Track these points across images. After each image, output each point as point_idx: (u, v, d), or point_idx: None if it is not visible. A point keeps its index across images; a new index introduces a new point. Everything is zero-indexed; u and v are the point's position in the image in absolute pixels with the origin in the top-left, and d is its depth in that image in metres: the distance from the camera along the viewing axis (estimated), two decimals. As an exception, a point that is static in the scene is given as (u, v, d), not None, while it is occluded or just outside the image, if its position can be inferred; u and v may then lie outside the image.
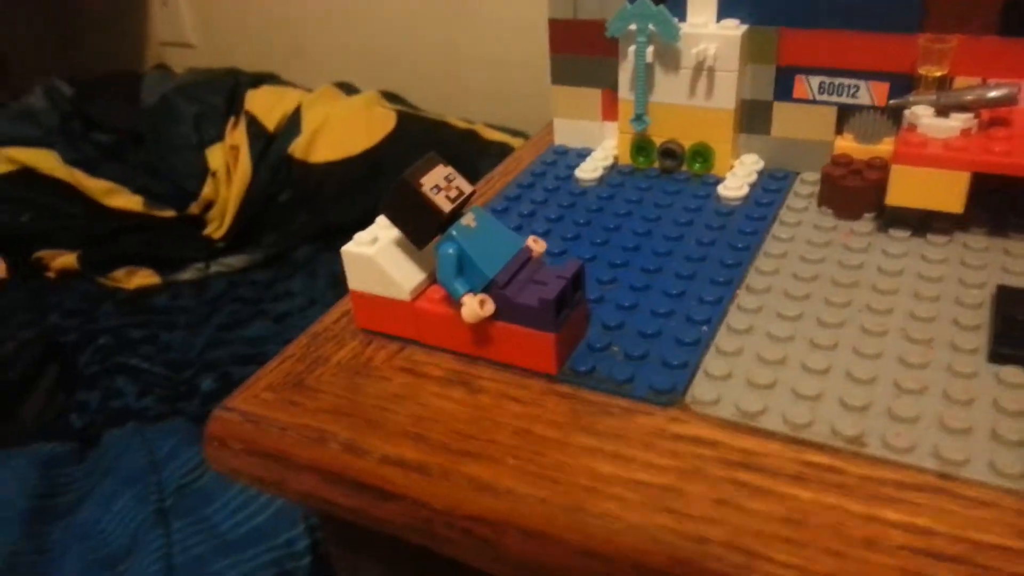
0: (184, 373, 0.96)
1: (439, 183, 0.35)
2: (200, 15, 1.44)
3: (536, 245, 0.37)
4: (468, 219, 0.35)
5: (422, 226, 0.35)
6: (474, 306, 0.34)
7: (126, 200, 1.11)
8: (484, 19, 1.21)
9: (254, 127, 1.14)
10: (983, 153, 0.39)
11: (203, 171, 1.13)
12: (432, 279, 0.38)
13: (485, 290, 0.35)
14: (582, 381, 0.36)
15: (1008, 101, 0.40)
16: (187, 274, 1.10)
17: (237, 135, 1.13)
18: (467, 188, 0.35)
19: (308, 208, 1.14)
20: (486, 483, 0.31)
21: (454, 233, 0.35)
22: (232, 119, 1.16)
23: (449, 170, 0.35)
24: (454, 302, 0.36)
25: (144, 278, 1.09)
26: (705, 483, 0.31)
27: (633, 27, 0.47)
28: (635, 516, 0.29)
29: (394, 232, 0.38)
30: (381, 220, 0.39)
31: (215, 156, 1.14)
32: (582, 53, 0.51)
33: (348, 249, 0.38)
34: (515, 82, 1.23)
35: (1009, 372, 0.33)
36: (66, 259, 1.09)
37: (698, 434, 0.33)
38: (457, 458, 0.33)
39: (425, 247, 0.36)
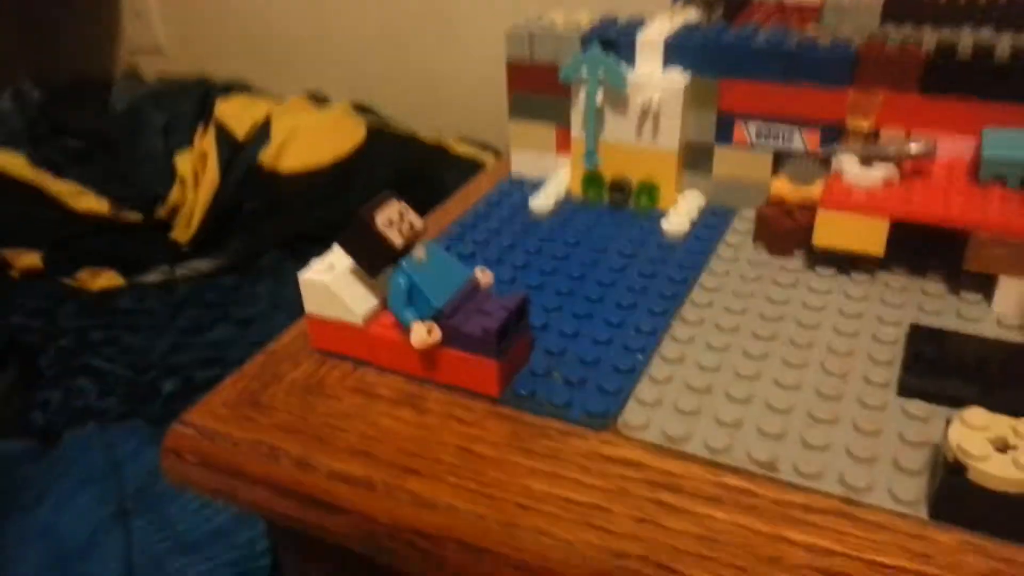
0: (146, 375, 0.97)
1: (392, 218, 0.37)
2: (173, 22, 1.45)
3: (483, 276, 0.40)
4: (419, 252, 0.38)
5: (375, 258, 0.38)
6: (422, 333, 0.37)
7: (93, 202, 1.11)
8: (459, 34, 1.24)
9: (223, 135, 1.15)
10: (902, 203, 0.43)
11: (171, 177, 1.15)
12: (384, 305, 0.40)
13: (433, 318, 0.37)
14: (523, 404, 0.38)
15: (927, 155, 0.43)
16: (152, 277, 1.11)
17: (206, 142, 1.15)
18: (418, 224, 0.38)
19: (275, 216, 1.16)
20: (427, 499, 0.34)
21: (404, 265, 0.37)
22: (201, 126, 1.18)
23: (402, 206, 0.38)
24: (404, 328, 0.38)
25: (108, 280, 1.09)
26: (629, 502, 0.33)
27: (584, 73, 0.49)
28: (564, 532, 0.32)
29: (349, 261, 0.40)
30: (337, 249, 0.41)
31: (183, 162, 1.15)
32: (538, 92, 0.54)
33: (306, 277, 0.40)
34: (487, 97, 1.25)
35: (914, 405, 0.36)
36: (30, 258, 1.09)
37: (627, 456, 0.35)
38: (401, 475, 0.35)
39: (377, 276, 0.39)
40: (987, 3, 0.54)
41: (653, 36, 0.50)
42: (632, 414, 0.37)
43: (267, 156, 1.14)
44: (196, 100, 1.20)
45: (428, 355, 0.39)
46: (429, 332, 0.37)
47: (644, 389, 0.38)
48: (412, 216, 0.38)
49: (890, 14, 0.56)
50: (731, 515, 0.32)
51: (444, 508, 0.33)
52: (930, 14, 0.54)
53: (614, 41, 0.50)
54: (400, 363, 0.40)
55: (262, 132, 1.15)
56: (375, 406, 0.39)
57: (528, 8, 0.55)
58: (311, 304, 0.41)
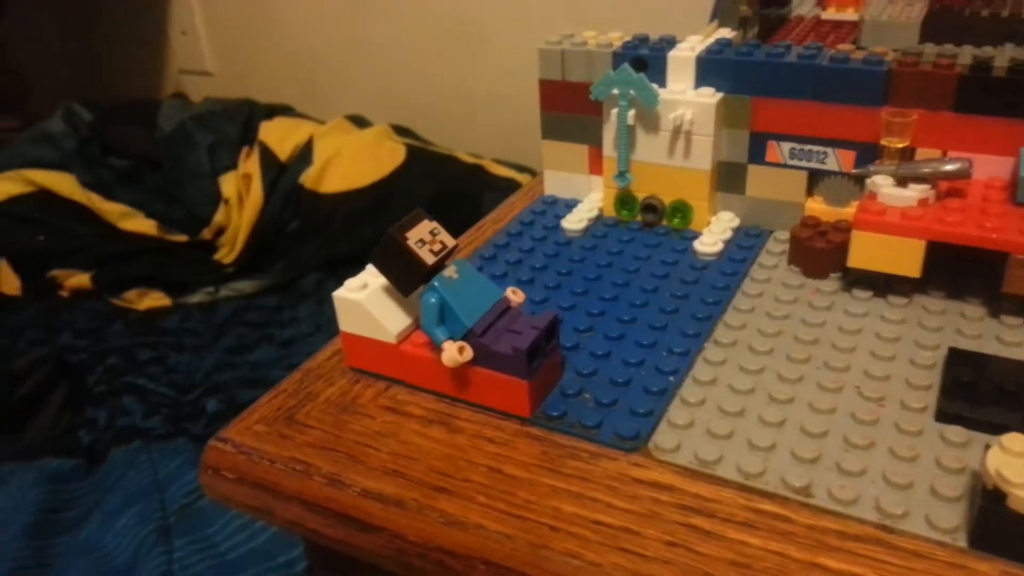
0: (190, 395, 0.98)
1: (424, 237, 0.37)
2: (219, 45, 1.49)
3: (515, 296, 0.40)
4: (451, 271, 0.38)
5: (407, 276, 0.38)
6: (453, 352, 0.37)
7: (140, 224, 1.14)
8: (494, 57, 1.25)
9: (267, 157, 1.17)
10: (937, 223, 0.42)
11: (216, 198, 1.17)
12: (417, 324, 0.41)
13: (464, 337, 0.38)
14: (553, 425, 0.38)
15: (962, 175, 0.43)
16: (196, 297, 1.13)
17: (250, 164, 1.17)
18: (450, 242, 0.38)
19: (317, 237, 1.18)
20: (457, 518, 0.34)
21: (436, 284, 0.37)
22: (246, 148, 1.20)
23: (434, 225, 0.38)
24: (436, 347, 0.39)
25: (155, 300, 1.12)
26: (660, 526, 0.33)
27: (615, 92, 0.50)
28: (594, 555, 0.32)
29: (382, 279, 0.41)
30: (371, 268, 0.41)
31: (228, 184, 1.18)
32: (570, 112, 0.54)
33: (339, 294, 0.40)
34: (523, 119, 1.26)
35: (952, 431, 0.36)
36: (79, 279, 1.12)
37: (657, 479, 0.35)
38: (432, 494, 0.35)
39: (410, 295, 0.39)
40: (1029, 20, 0.54)
41: (684, 53, 0.50)
42: (663, 437, 0.37)
43: (309, 178, 1.16)
44: (240, 122, 1.23)
45: (459, 374, 0.39)
46: (460, 351, 0.37)
47: (676, 411, 0.38)
48: (444, 235, 0.38)
49: (930, 31, 0.55)
50: (764, 541, 0.32)
51: (474, 528, 0.34)
52: (970, 31, 0.54)
53: (645, 59, 0.50)
54: (432, 382, 0.40)
55: (304, 154, 1.18)
56: (407, 424, 0.39)
57: (562, 26, 0.56)
58: (345, 322, 0.41)
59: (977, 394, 0.37)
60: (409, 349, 0.40)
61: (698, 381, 0.40)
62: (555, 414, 0.38)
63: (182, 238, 1.16)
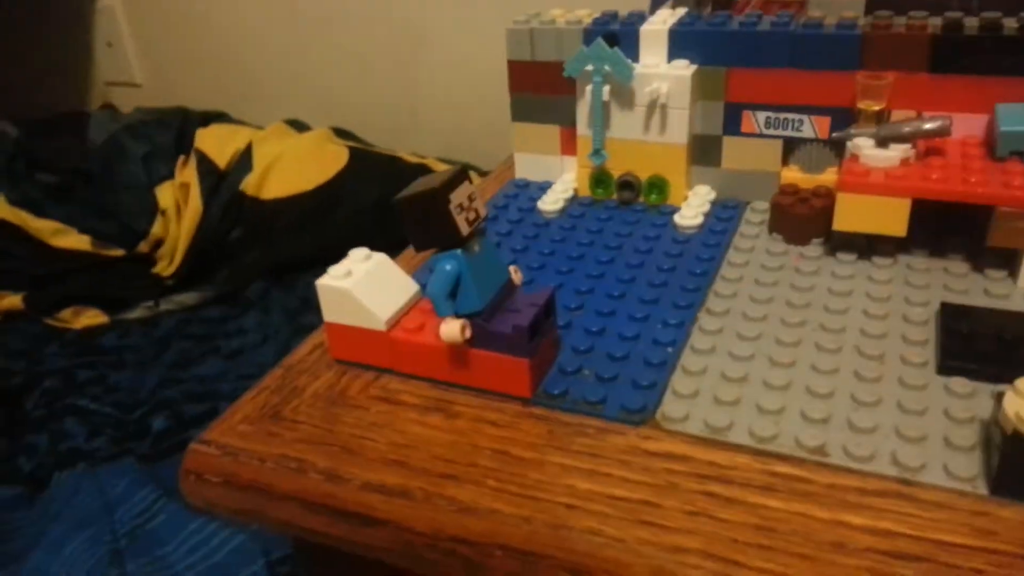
0: (134, 413, 0.94)
1: (463, 202, 0.34)
2: (147, 55, 1.43)
3: (516, 275, 0.38)
4: (477, 245, 0.36)
5: (434, 238, 0.35)
6: (456, 329, 0.35)
7: (73, 240, 1.09)
8: (435, 58, 1.23)
9: (205, 165, 1.13)
10: (922, 181, 0.42)
11: (153, 210, 1.12)
12: (405, 309, 0.39)
13: (467, 316, 0.36)
14: (556, 403, 0.37)
15: (942, 132, 0.43)
16: (136, 313, 1.08)
17: (187, 173, 1.13)
18: (483, 212, 0.36)
19: (260, 245, 1.14)
20: (468, 505, 0.32)
21: (461, 256, 0.35)
22: (182, 157, 1.16)
23: (472, 189, 0.35)
24: (430, 329, 0.37)
25: (91, 318, 1.07)
26: (679, 496, 0.32)
27: (589, 68, 0.49)
28: (615, 530, 0.31)
29: (366, 265, 0.39)
30: (353, 254, 0.40)
31: (165, 195, 1.13)
32: (540, 92, 0.53)
33: (323, 283, 0.38)
34: (466, 119, 1.25)
35: (957, 383, 0.36)
36: (10, 300, 1.07)
37: (670, 450, 0.34)
38: (438, 482, 0.33)
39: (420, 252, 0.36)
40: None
41: (657, 27, 0.49)
42: (670, 407, 0.36)
43: (250, 184, 1.12)
44: (175, 131, 1.18)
45: (455, 357, 0.37)
46: (462, 330, 0.35)
47: (679, 381, 0.37)
48: (479, 202, 0.35)
49: (875, 1, 0.56)
50: (786, 503, 0.31)
51: (487, 513, 0.32)
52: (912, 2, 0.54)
53: (617, 34, 0.50)
54: (425, 368, 0.38)
55: (244, 160, 1.14)
56: (403, 414, 0.37)
57: (499, 28, 0.54)
58: (330, 312, 0.39)
59: (976, 345, 0.37)
60: (400, 335, 0.38)
61: (697, 350, 0.39)
62: (557, 392, 0.37)
63: (118, 253, 1.10)
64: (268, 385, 0.40)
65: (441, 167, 1.19)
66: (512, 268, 0.38)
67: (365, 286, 0.38)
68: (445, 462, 0.34)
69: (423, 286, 0.39)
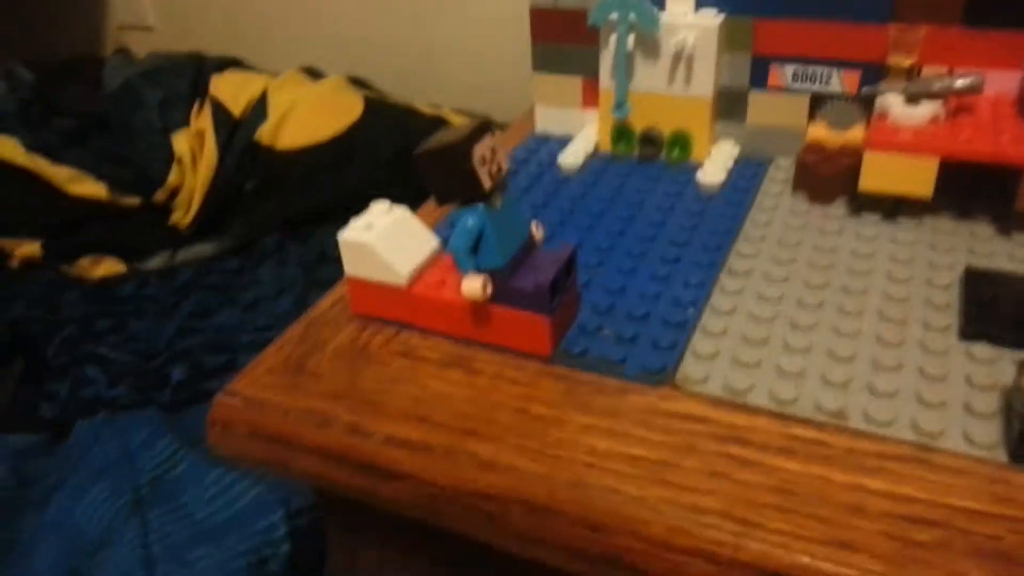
0: (154, 362, 0.95)
1: (486, 155, 0.34)
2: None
3: (537, 232, 0.38)
4: (498, 200, 0.35)
5: (456, 192, 0.35)
6: (477, 285, 0.35)
7: (90, 188, 1.09)
8: (455, 7, 1.21)
9: (219, 112, 1.12)
10: (952, 141, 0.41)
11: (168, 157, 1.12)
12: (427, 263, 0.39)
13: (489, 272, 0.36)
14: (575, 362, 0.37)
15: (974, 90, 0.42)
16: (153, 262, 1.09)
17: (202, 121, 1.12)
18: (505, 166, 0.35)
19: (275, 196, 1.14)
20: (489, 460, 0.33)
21: (483, 210, 0.35)
22: (197, 104, 1.15)
23: (494, 142, 0.35)
24: (451, 286, 0.37)
25: (109, 267, 1.07)
26: (698, 457, 0.32)
27: (614, 16, 0.48)
28: (634, 489, 0.31)
29: (388, 219, 0.39)
30: (375, 207, 0.39)
31: (180, 142, 1.13)
32: (563, 41, 0.52)
33: (346, 238, 0.38)
34: (484, 71, 1.23)
35: (979, 349, 0.35)
36: (29, 248, 1.07)
37: (689, 411, 0.34)
38: (460, 437, 0.34)
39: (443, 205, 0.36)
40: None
41: (683, -24, 0.48)
42: (690, 368, 0.36)
43: (265, 133, 1.12)
44: (190, 77, 1.17)
45: (475, 313, 0.37)
46: (483, 287, 0.35)
47: (699, 342, 0.37)
48: (501, 155, 0.35)
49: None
50: (805, 466, 0.31)
51: (507, 469, 0.32)
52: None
53: (642, -18, 0.49)
54: (445, 324, 0.38)
55: (259, 108, 1.13)
56: (423, 369, 0.37)
57: None
58: (351, 266, 0.39)
59: (999, 311, 0.37)
60: (421, 291, 0.38)
61: (717, 311, 0.39)
62: (577, 351, 0.37)
63: (135, 201, 1.10)
64: (291, 337, 0.40)
65: (457, 119, 1.17)
66: (533, 224, 0.38)
67: (387, 241, 0.38)
68: (466, 418, 0.35)
69: (444, 240, 0.39)
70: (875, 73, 0.46)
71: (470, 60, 1.23)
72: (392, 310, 0.39)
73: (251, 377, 0.37)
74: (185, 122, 1.14)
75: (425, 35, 1.24)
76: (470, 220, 0.35)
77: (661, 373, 0.36)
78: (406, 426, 0.34)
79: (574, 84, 0.54)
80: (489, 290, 0.35)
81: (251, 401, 0.36)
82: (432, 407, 0.35)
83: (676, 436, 0.33)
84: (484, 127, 0.35)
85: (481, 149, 0.34)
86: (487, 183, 0.34)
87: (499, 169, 0.35)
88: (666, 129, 0.51)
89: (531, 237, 0.38)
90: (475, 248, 0.35)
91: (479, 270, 0.35)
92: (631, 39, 0.48)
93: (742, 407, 0.34)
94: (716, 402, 0.35)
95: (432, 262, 0.40)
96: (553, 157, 0.53)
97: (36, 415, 0.89)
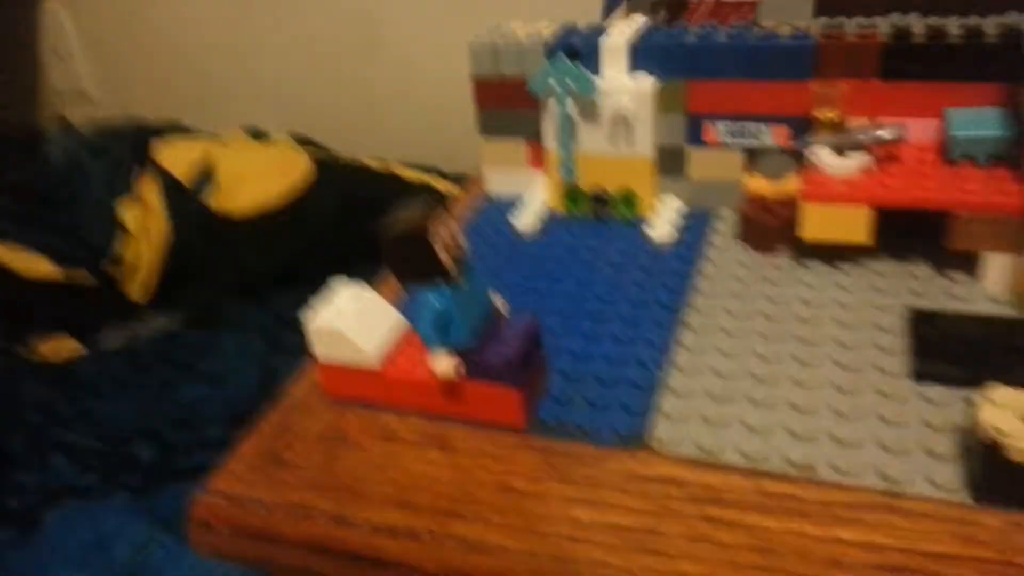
0: (120, 444, 0.93)
1: (446, 236, 0.35)
2: (98, 65, 1.41)
3: (501, 305, 0.39)
4: (461, 278, 0.36)
5: (420, 276, 0.36)
6: (448, 365, 0.36)
7: (42, 267, 1.07)
8: (396, 57, 1.23)
9: (166, 180, 1.12)
10: (882, 189, 0.44)
11: (117, 229, 1.11)
12: (397, 343, 0.40)
13: (458, 351, 0.37)
14: (551, 432, 0.38)
15: (897, 140, 0.44)
16: (111, 339, 1.07)
17: (149, 190, 1.12)
18: (465, 244, 0.36)
19: (230, 261, 1.13)
20: (476, 542, 0.33)
21: (447, 292, 0.36)
22: (142, 173, 1.14)
23: (454, 223, 0.36)
24: (422, 364, 0.38)
25: (68, 349, 1.05)
26: (678, 521, 0.33)
27: (553, 83, 0.50)
28: (621, 560, 0.32)
29: (354, 301, 0.39)
30: (339, 288, 0.40)
31: (128, 213, 1.12)
32: (507, 107, 0.54)
33: (315, 324, 0.39)
34: (426, 116, 1.24)
35: (933, 391, 0.37)
36: (-22, 333, 1.05)
37: (665, 474, 0.35)
38: (444, 520, 0.34)
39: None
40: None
41: (617, 41, 0.50)
42: (662, 430, 0.37)
43: (215, 199, 1.11)
44: (133, 145, 1.16)
45: (449, 391, 0.38)
46: (455, 366, 0.36)
47: (668, 403, 0.39)
48: (460, 234, 0.36)
49: (823, 4, 0.57)
50: (781, 522, 0.33)
51: (495, 550, 0.33)
52: (860, 4, 0.55)
53: (578, 48, 0.51)
54: (420, 403, 0.39)
55: (205, 173, 1.13)
56: (403, 451, 0.38)
57: (459, 19, 0.55)
58: (322, 352, 0.40)
59: (947, 351, 0.39)
60: (394, 373, 0.39)
61: (682, 369, 0.41)
62: (551, 421, 0.38)
63: (86, 276, 1.09)
64: (267, 427, 0.40)
65: (408, 173, 1.18)
66: (497, 297, 0.39)
67: (356, 325, 0.39)
68: (448, 499, 0.35)
69: (408, 315, 0.40)
70: (803, 126, 0.48)
71: (415, 112, 1.24)
72: (366, 392, 0.40)
73: (230, 473, 0.38)
74: (131, 192, 1.13)
75: (367, 89, 1.25)
76: (436, 302, 0.36)
77: (635, 437, 0.37)
78: (390, 512, 0.35)
79: (521, 147, 0.55)
80: (462, 371, 0.36)
81: (232, 499, 0.36)
82: (414, 491, 0.36)
83: (655, 501, 0.34)
84: (440, 207, 0.36)
85: (441, 231, 0.35)
86: (450, 264, 0.35)
87: (459, 248, 0.36)
88: (613, 188, 0.53)
89: (495, 310, 0.39)
90: (443, 328, 0.36)
91: (448, 350, 0.36)
92: (571, 104, 0.50)
93: (715, 466, 0.35)
94: (690, 462, 0.36)
95: (401, 341, 0.40)
96: (506, 220, 0.54)
97: (3, 508, 0.87)
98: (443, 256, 0.35)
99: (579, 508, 0.34)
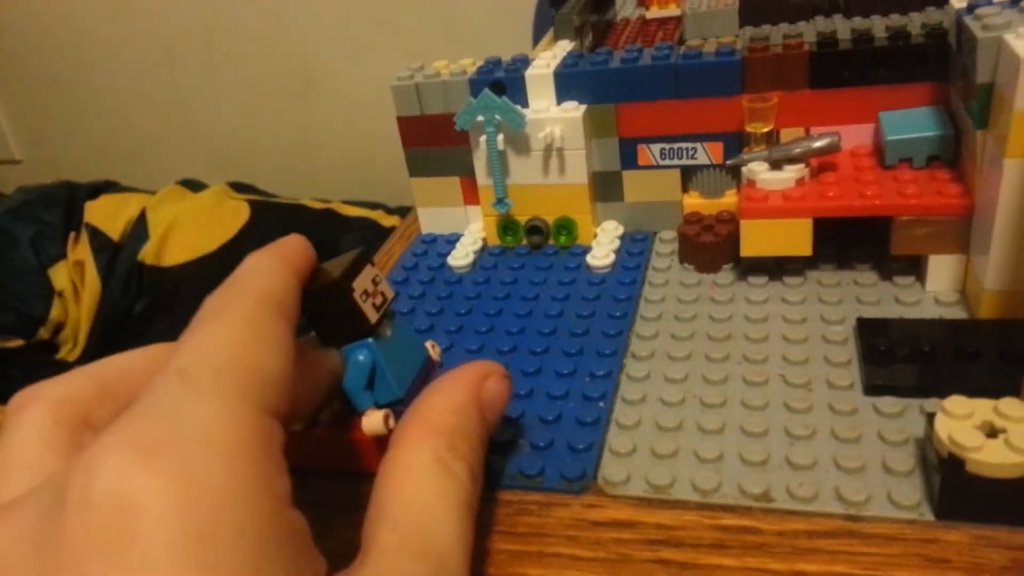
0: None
1: (368, 288, 0.33)
2: (23, 128, 1.37)
3: (434, 351, 0.37)
4: (387, 329, 0.34)
5: (341, 330, 0.33)
6: (379, 421, 0.34)
7: (-34, 337, 1.03)
8: (325, 98, 1.21)
9: (97, 239, 1.09)
10: (820, 199, 0.42)
11: (48, 293, 1.07)
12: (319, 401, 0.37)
13: (389, 405, 0.34)
14: (491, 481, 0.36)
15: (832, 149, 0.43)
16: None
17: (80, 250, 1.08)
18: (390, 294, 0.34)
19: (166, 314, 1.10)
20: (417, 611, 0.31)
21: (373, 344, 0.33)
22: (72, 234, 1.11)
23: (376, 272, 0.34)
24: (349, 422, 0.35)
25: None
26: (633, 568, 0.31)
27: (481, 119, 0.48)
28: (573, 618, 0.30)
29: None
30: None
31: (59, 275, 1.08)
32: (435, 145, 0.52)
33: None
34: (364, 155, 1.23)
35: (885, 402, 0.36)
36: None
37: (616, 517, 0.33)
38: (382, 589, 0.32)
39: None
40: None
41: (541, 70, 0.49)
42: (610, 469, 0.35)
43: (149, 253, 1.08)
44: (62, 207, 1.13)
45: (382, 447, 0.36)
46: (385, 420, 0.34)
47: (615, 438, 0.37)
48: (384, 285, 0.34)
49: (746, 15, 0.56)
50: (740, 559, 0.31)
51: (437, 618, 0.30)
52: (782, 10, 0.55)
53: (503, 82, 0.49)
54: (352, 463, 0.37)
55: (139, 229, 1.10)
56: (335, 517, 0.35)
57: (389, 61, 0.53)
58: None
59: (896, 360, 0.38)
60: (322, 433, 0.36)
61: (628, 401, 0.39)
62: (491, 469, 0.36)
63: (18, 343, 1.05)
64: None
65: (348, 210, 1.16)
66: (430, 344, 0.37)
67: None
68: (387, 566, 0.33)
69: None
70: (737, 141, 0.47)
71: (354, 150, 1.22)
72: (292, 456, 0.37)
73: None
74: (62, 254, 1.10)
75: (305, 131, 1.23)
76: (360, 356, 0.33)
77: (582, 480, 0.35)
78: (325, 586, 0.32)
79: (453, 184, 0.54)
80: (392, 423, 0.34)
81: None
82: (342, 560, 0.33)
83: (607, 548, 0.32)
84: (363, 257, 0.34)
85: (362, 282, 0.33)
86: (373, 316, 0.33)
87: (383, 299, 0.34)
88: (550, 217, 0.51)
89: (429, 358, 0.37)
90: (370, 383, 0.34)
91: (378, 405, 0.34)
92: (500, 138, 0.48)
93: (668, 503, 0.34)
94: (641, 502, 0.34)
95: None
96: (442, 258, 0.52)
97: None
98: (365, 308, 0.33)
99: (528, 564, 0.32)
